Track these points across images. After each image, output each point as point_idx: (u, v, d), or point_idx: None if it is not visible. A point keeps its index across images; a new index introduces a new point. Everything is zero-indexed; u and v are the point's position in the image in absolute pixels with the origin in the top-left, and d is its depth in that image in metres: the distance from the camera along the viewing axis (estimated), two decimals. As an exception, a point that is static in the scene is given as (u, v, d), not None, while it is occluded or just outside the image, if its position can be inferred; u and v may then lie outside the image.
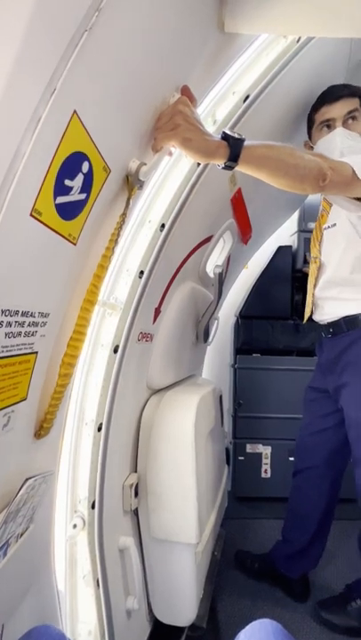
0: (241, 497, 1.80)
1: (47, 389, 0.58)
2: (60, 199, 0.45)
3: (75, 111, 0.40)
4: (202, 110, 0.87)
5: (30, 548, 0.58)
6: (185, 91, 0.62)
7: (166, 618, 0.94)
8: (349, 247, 1.03)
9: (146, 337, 0.97)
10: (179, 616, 0.94)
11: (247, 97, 0.86)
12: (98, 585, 0.77)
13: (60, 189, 0.45)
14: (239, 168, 0.65)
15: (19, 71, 0.32)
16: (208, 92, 0.82)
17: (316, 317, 1.15)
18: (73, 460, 0.79)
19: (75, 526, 0.77)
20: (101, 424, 0.80)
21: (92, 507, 0.78)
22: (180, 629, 0.96)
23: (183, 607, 0.93)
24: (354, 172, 0.78)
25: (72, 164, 0.44)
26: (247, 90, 0.87)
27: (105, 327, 0.84)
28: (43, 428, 0.58)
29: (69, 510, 0.79)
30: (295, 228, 1.97)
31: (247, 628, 0.52)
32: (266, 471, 1.81)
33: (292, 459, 1.81)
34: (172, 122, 0.58)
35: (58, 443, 0.66)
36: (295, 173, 0.70)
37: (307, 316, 1.24)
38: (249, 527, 1.57)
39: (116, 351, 0.82)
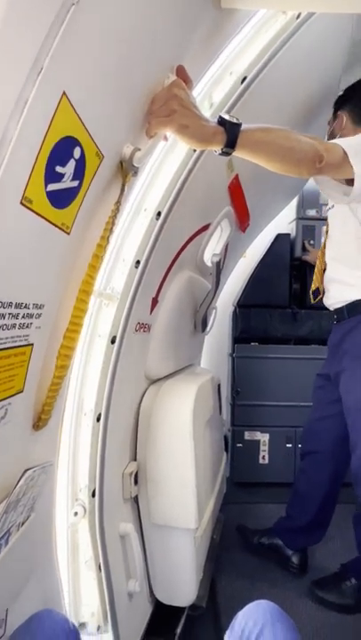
0: (239, 482, 1.84)
1: (44, 381, 0.58)
2: (52, 186, 0.44)
3: (64, 92, 0.38)
4: (198, 92, 0.84)
5: (32, 536, 0.59)
6: (180, 72, 0.60)
7: (167, 599, 0.97)
8: (347, 227, 1.06)
9: (143, 327, 0.96)
10: (179, 597, 0.97)
11: (245, 78, 0.83)
12: (100, 569, 0.79)
13: (51, 176, 0.43)
14: (236, 154, 0.63)
15: (1, 49, 0.30)
16: (204, 72, 0.79)
17: (325, 302, 1.18)
18: (73, 450, 0.80)
19: (76, 514, 0.78)
20: (100, 414, 0.81)
21: (93, 495, 0.79)
22: (180, 609, 0.99)
23: (183, 589, 0.96)
24: (345, 152, 0.79)
25: (63, 150, 0.43)
26: (245, 70, 0.84)
27: (102, 318, 0.84)
28: (41, 420, 0.58)
29: (70, 498, 0.80)
30: (294, 216, 1.94)
31: (245, 608, 0.53)
32: (264, 457, 1.85)
33: (289, 445, 1.85)
34: (166, 107, 0.56)
35: (57, 434, 0.67)
36: (292, 156, 0.70)
37: (313, 287, 1.29)
38: (247, 511, 1.61)
39: (113, 342, 0.82)
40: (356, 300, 1.04)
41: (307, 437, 1.28)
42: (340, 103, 1.14)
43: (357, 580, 1.10)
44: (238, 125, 0.60)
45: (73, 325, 0.60)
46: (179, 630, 0.95)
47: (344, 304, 1.08)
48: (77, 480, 0.81)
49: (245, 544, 1.37)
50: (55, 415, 0.63)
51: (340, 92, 1.27)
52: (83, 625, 0.82)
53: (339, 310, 1.10)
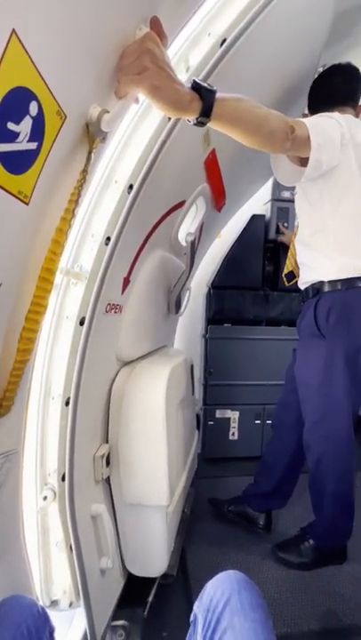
0: (210, 458, 1.91)
1: (5, 366, 0.53)
2: (4, 147, 0.38)
3: (13, 30, 0.32)
4: (173, 53, 0.77)
5: (-4, 525, 0.57)
6: (154, 24, 0.54)
7: (139, 571, 1.01)
8: (305, 211, 1.09)
9: (114, 308, 0.92)
10: (151, 568, 1.00)
11: (224, 40, 0.77)
12: (71, 550, 0.79)
13: (4, 135, 0.37)
14: (211, 124, 0.60)
15: None
16: (179, 31, 0.73)
17: (298, 284, 1.22)
18: (40, 436, 0.77)
19: (45, 498, 0.77)
20: (69, 398, 0.78)
21: (62, 479, 0.78)
22: (152, 579, 1.03)
23: (155, 560, 0.99)
24: (308, 129, 0.83)
25: (15, 103, 0.37)
26: (224, 32, 0.78)
27: (69, 298, 0.79)
28: (2, 407, 0.55)
29: (39, 483, 0.78)
30: (269, 197, 1.93)
31: (213, 579, 0.56)
32: (233, 434, 1.92)
33: (258, 422, 1.93)
34: (138, 63, 0.50)
35: (21, 420, 0.63)
36: (268, 128, 0.70)
37: (286, 271, 1.40)
38: (217, 485, 1.68)
39: (82, 323, 0.77)
40: (316, 282, 1.09)
41: (277, 409, 1.35)
42: (308, 104, 1.18)
43: (314, 541, 1.21)
44: (213, 93, 0.56)
45: (36, 307, 0.55)
46: (150, 599, 0.99)
47: (306, 285, 1.14)
48: (46, 465, 0.78)
49: (217, 512, 1.45)
50: (19, 401, 0.59)
51: (320, 68, 1.24)
52: (55, 602, 0.83)
53: (304, 291, 1.16)
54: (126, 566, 1.00)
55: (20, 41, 0.34)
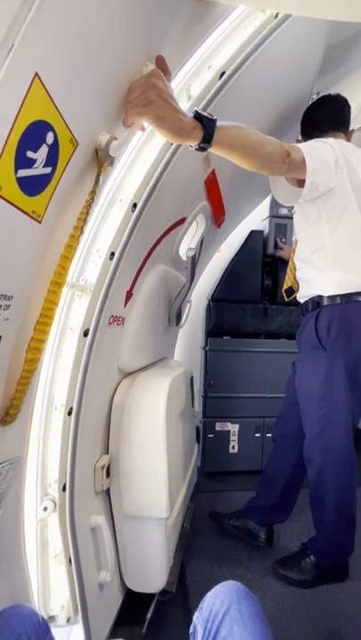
0: (210, 472, 1.89)
1: (13, 374, 0.56)
2: (22, 172, 0.42)
3: (36, 73, 0.37)
4: (176, 84, 0.83)
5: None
6: (159, 62, 0.59)
7: (138, 586, 0.99)
8: (304, 230, 1.13)
9: (117, 320, 0.95)
10: (150, 584, 0.99)
11: (223, 73, 0.83)
12: (70, 562, 0.79)
13: (22, 161, 0.41)
14: (212, 150, 0.64)
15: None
16: (183, 64, 0.78)
17: (298, 298, 1.25)
18: (42, 445, 0.78)
19: (45, 509, 0.77)
20: (72, 408, 0.79)
21: (63, 489, 0.78)
22: (150, 596, 1.02)
23: (154, 576, 0.98)
24: (303, 153, 0.89)
25: (35, 134, 0.41)
26: (223, 65, 0.84)
27: (74, 310, 0.81)
28: (9, 415, 0.56)
29: (40, 493, 0.78)
30: (267, 214, 1.99)
31: (213, 589, 0.56)
32: (233, 447, 1.91)
33: (258, 435, 1.93)
34: (144, 96, 0.55)
35: (26, 428, 0.65)
36: (264, 152, 0.75)
37: (286, 286, 1.44)
38: (217, 499, 1.66)
39: (86, 335, 0.80)
40: (316, 296, 1.12)
41: (278, 421, 1.36)
42: (301, 130, 1.24)
43: (315, 557, 1.19)
44: (214, 122, 0.61)
45: (44, 317, 0.58)
46: (149, 615, 0.97)
47: (305, 299, 1.17)
48: (47, 475, 0.79)
49: (219, 527, 1.43)
50: (24, 410, 0.61)
51: (313, 96, 1.32)
52: (52, 618, 0.81)
53: (303, 304, 1.19)
54: (125, 581, 0.99)
55: (41, 82, 0.38)
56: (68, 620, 0.81)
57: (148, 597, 1.01)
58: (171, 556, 1.04)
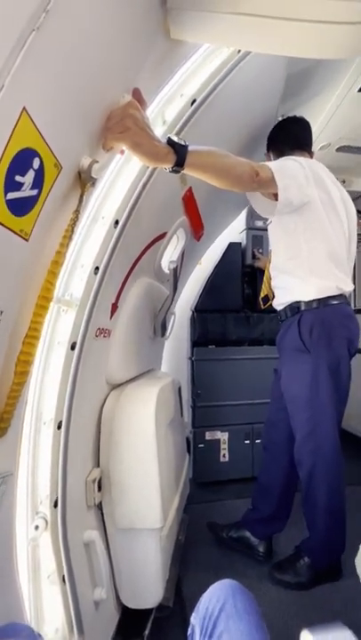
0: (202, 482, 1.89)
1: (3, 389, 0.57)
2: (11, 195, 0.45)
3: (24, 108, 0.40)
4: (151, 110, 0.89)
5: (-9, 551, 0.57)
6: (136, 94, 0.65)
7: (134, 603, 0.97)
8: (281, 239, 1.19)
9: (103, 333, 0.97)
10: (146, 599, 0.97)
11: (194, 100, 0.91)
12: (64, 581, 0.77)
13: (11, 185, 0.44)
14: (185, 172, 0.70)
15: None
16: (157, 93, 0.85)
17: (273, 305, 1.30)
18: (32, 461, 0.78)
19: (37, 527, 0.76)
20: (61, 422, 0.80)
21: (55, 505, 0.78)
22: (147, 612, 1.00)
23: (150, 590, 0.97)
24: (272, 172, 0.97)
25: (22, 160, 0.44)
26: (194, 94, 0.92)
27: (60, 324, 0.83)
28: (0, 429, 0.57)
29: (30, 512, 0.77)
30: (244, 226, 2.09)
31: (208, 589, 0.57)
32: (224, 455, 1.92)
33: (247, 442, 1.95)
34: (122, 124, 0.60)
35: (16, 443, 0.65)
36: (234, 172, 0.82)
37: (262, 295, 1.48)
38: (211, 509, 1.66)
39: (73, 348, 0.82)
40: (294, 302, 1.18)
41: (266, 429, 1.37)
42: (267, 145, 1.33)
43: (310, 558, 1.21)
44: (186, 147, 0.68)
45: (32, 331, 0.60)
46: (147, 632, 0.95)
47: (283, 306, 1.22)
48: (38, 492, 0.78)
49: (216, 539, 1.42)
50: (14, 424, 0.62)
51: (279, 118, 1.43)
52: (46, 644, 0.79)
53: (281, 311, 1.24)
54: (120, 598, 0.97)
55: (28, 114, 0.42)
56: (64, 643, 0.79)
57: (145, 614, 0.99)
58: (167, 569, 1.03)
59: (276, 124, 1.32)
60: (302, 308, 1.15)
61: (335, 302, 1.14)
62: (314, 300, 1.14)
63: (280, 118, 1.42)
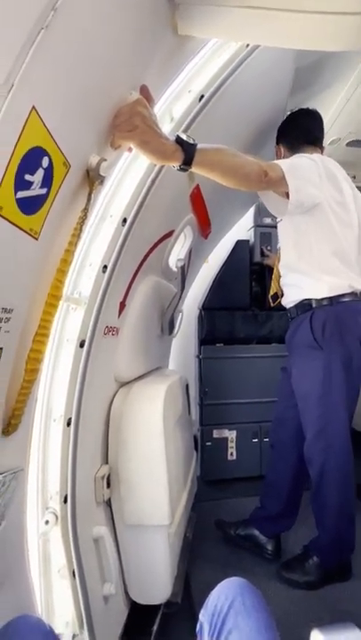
0: (209, 480, 1.89)
1: (14, 385, 0.58)
2: (21, 194, 0.45)
3: (33, 107, 0.41)
4: (159, 107, 0.89)
5: (2, 545, 0.58)
6: (143, 91, 0.64)
7: (143, 598, 0.98)
8: (291, 238, 1.18)
9: (112, 331, 0.98)
10: (154, 595, 0.98)
11: (202, 96, 0.90)
12: (74, 576, 0.78)
13: (21, 184, 0.45)
14: (193, 170, 0.70)
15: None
16: (164, 90, 0.85)
17: (283, 303, 1.29)
18: (42, 457, 0.79)
19: (47, 522, 0.77)
20: (70, 419, 0.81)
21: (65, 501, 0.79)
22: (155, 608, 1.00)
23: (158, 586, 0.97)
24: (283, 170, 0.96)
25: (32, 159, 0.45)
26: (202, 89, 0.91)
27: (69, 322, 0.84)
28: (11, 425, 0.58)
29: (41, 507, 0.79)
30: (252, 224, 2.07)
31: (217, 586, 0.57)
32: (232, 454, 1.92)
33: (255, 440, 1.94)
34: (130, 122, 0.60)
35: (27, 439, 0.66)
36: (243, 171, 0.81)
37: (272, 292, 1.47)
38: (218, 507, 1.66)
39: (82, 346, 0.82)
40: (304, 300, 1.17)
41: (274, 428, 1.37)
42: (277, 138, 1.31)
43: (319, 557, 1.20)
44: (194, 145, 0.67)
45: (42, 329, 0.60)
46: (155, 628, 0.96)
47: (293, 304, 1.21)
48: (48, 487, 0.79)
49: (224, 536, 1.42)
50: (25, 421, 0.63)
51: (288, 112, 1.41)
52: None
53: (291, 309, 1.23)
54: (129, 593, 0.98)
55: (37, 114, 0.42)
56: (74, 636, 0.80)
57: (153, 609, 1.00)
58: (175, 566, 1.04)
59: (287, 116, 1.30)
60: (313, 305, 1.14)
61: (347, 299, 1.12)
62: (325, 298, 1.13)
63: (289, 112, 1.40)
